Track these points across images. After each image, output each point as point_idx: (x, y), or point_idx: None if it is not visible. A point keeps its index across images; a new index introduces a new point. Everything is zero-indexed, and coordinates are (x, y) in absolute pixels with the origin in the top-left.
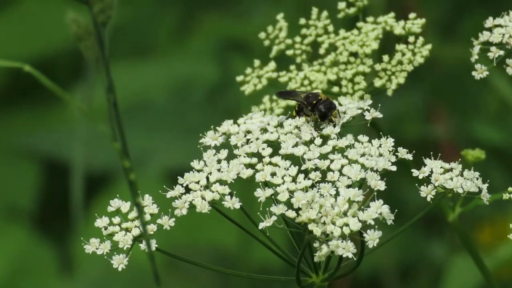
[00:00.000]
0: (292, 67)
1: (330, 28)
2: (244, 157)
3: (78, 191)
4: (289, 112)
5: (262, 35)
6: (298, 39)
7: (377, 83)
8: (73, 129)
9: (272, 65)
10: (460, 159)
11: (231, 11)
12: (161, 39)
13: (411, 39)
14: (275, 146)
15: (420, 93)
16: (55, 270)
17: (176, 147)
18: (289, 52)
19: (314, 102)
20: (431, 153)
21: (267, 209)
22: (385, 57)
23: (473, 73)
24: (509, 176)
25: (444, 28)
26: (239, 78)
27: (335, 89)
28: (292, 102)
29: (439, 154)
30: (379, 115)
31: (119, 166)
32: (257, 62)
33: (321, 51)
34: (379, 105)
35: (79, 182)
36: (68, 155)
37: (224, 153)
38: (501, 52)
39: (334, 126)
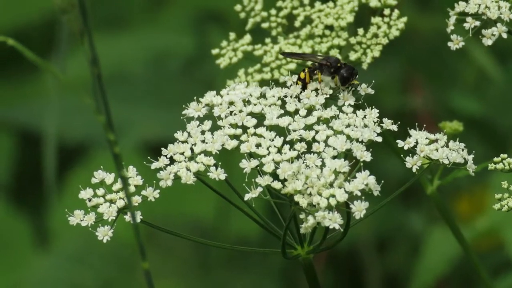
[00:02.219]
0: (268, 40)
1: (306, 0)
2: (229, 128)
3: (51, 163)
4: (272, 83)
5: (238, 7)
6: (273, 11)
7: (352, 56)
8: (48, 101)
9: (247, 38)
10: (439, 130)
11: None
12: (136, 10)
13: (386, 11)
14: (259, 118)
15: (398, 63)
16: (30, 243)
17: (152, 118)
18: (265, 25)
19: (338, 65)
20: (410, 123)
21: (252, 180)
22: (360, 30)
23: (449, 43)
24: (487, 146)
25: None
26: (215, 51)
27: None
28: (267, 76)
29: (417, 124)
30: (371, 91)
31: (95, 138)
32: (232, 35)
33: (297, 24)
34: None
35: (52, 154)
36: (43, 127)
37: (208, 124)
38: (477, 23)
39: (352, 91)
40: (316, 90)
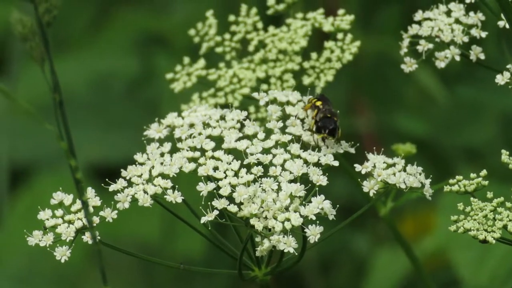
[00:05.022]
0: (222, 64)
1: (260, 25)
2: (187, 150)
3: (2, 185)
4: (232, 106)
5: (192, 32)
6: (227, 36)
7: (306, 80)
8: None
9: (201, 62)
10: (386, 151)
11: (147, 6)
12: (77, 34)
13: (340, 35)
14: (217, 141)
15: (342, 85)
16: None
17: (95, 141)
18: (219, 49)
19: (329, 115)
20: (355, 145)
21: (209, 203)
22: (314, 55)
23: (402, 66)
24: (430, 167)
25: (363, 21)
26: (169, 76)
27: (264, 86)
28: (221, 100)
29: (361, 146)
30: (352, 150)
31: (39, 161)
32: (186, 60)
33: (250, 48)
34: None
35: (3, 176)
36: None
37: (167, 146)
38: (430, 46)
39: (320, 145)
40: (303, 121)
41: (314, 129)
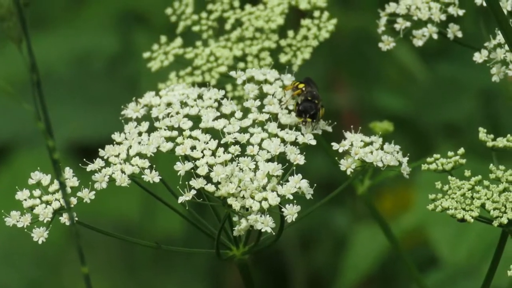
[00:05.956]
0: (199, 43)
1: (236, 3)
2: (165, 130)
3: None
4: (209, 85)
5: (168, 11)
6: (204, 14)
7: (283, 58)
8: None
9: (178, 41)
10: (364, 129)
11: None
12: (56, 11)
13: (316, 13)
14: (195, 120)
15: (321, 63)
16: None
17: (76, 119)
18: (196, 28)
19: (309, 98)
20: (334, 122)
21: (186, 182)
22: (290, 33)
23: (380, 44)
24: (410, 144)
25: None
26: (146, 55)
27: (241, 65)
28: (198, 79)
29: (341, 123)
30: (329, 129)
31: (17, 138)
32: (163, 39)
33: (227, 26)
34: (282, 75)
35: None
36: None
37: (145, 125)
38: (408, 24)
39: (300, 125)
40: (280, 101)
41: (295, 113)
